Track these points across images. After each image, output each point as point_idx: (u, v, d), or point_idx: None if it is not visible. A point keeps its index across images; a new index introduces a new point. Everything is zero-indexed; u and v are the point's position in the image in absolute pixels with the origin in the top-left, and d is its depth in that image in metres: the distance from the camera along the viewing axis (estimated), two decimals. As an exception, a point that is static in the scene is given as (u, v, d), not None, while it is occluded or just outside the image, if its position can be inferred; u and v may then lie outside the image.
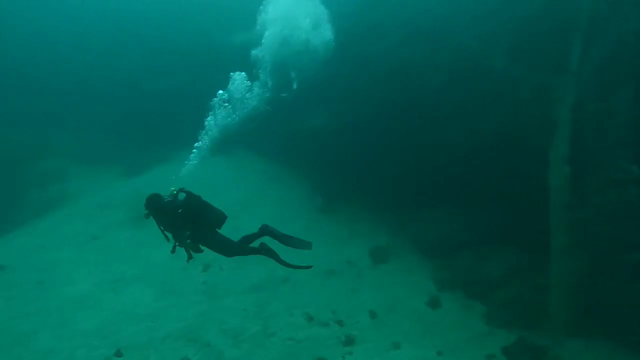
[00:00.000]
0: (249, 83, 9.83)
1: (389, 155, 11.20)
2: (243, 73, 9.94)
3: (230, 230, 5.37)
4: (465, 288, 9.18)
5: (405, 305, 8.86)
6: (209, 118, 9.64)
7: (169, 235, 5.19)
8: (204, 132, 9.61)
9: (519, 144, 8.66)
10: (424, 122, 10.28)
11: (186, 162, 7.47)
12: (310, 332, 7.91)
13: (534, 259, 8.54)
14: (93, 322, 8.27)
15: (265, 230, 5.42)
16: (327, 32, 10.53)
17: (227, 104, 9.30)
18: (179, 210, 5.08)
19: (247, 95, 9.91)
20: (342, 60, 10.79)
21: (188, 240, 5.15)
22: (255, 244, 5.50)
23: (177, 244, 5.17)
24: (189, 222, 5.10)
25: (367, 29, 10.93)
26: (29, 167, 15.57)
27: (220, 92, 9.35)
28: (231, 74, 10.17)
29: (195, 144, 9.75)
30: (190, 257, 5.31)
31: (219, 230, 5.35)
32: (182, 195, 5.18)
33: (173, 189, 5.26)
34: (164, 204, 5.15)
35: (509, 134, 8.90)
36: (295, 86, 11.26)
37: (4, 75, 15.95)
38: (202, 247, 5.33)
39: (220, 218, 5.28)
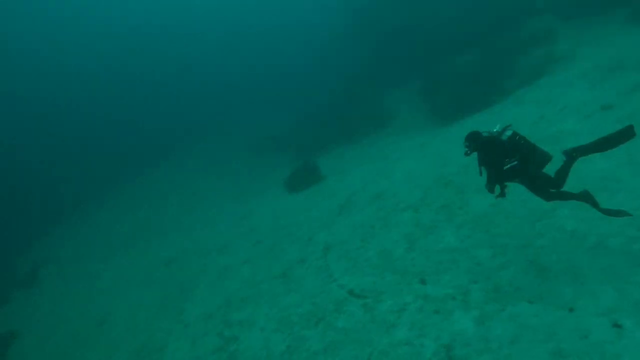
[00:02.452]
0: None
1: None
2: None
3: None
4: None
5: None
6: None
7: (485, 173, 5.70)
8: None
9: None
10: None
11: None
12: None
13: None
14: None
15: (569, 156, 5.45)
16: None
17: None
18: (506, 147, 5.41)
19: None
20: None
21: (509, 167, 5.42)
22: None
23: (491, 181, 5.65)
24: (515, 159, 5.39)
25: None
26: (513, 33, 15.29)
27: None
28: None
29: None
30: (502, 195, 5.74)
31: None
32: (508, 132, 5.49)
33: (497, 127, 5.64)
34: (489, 139, 5.57)
35: None
36: None
37: None
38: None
39: (546, 158, 5.44)
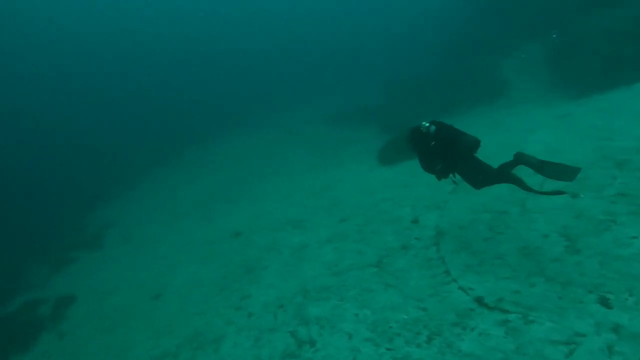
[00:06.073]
0: None
1: None
2: None
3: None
4: None
5: None
6: None
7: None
8: None
9: None
10: None
11: None
12: None
13: None
14: None
15: (520, 159, 5.28)
16: None
17: None
18: (432, 143, 5.62)
19: None
20: None
21: (438, 169, 5.74)
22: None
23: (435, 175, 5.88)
24: (442, 154, 5.59)
25: None
26: None
27: None
28: None
29: None
30: (455, 182, 6.15)
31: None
32: (432, 128, 5.68)
33: (425, 122, 5.80)
34: (420, 137, 5.77)
35: None
36: None
37: None
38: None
39: (473, 144, 5.43)
